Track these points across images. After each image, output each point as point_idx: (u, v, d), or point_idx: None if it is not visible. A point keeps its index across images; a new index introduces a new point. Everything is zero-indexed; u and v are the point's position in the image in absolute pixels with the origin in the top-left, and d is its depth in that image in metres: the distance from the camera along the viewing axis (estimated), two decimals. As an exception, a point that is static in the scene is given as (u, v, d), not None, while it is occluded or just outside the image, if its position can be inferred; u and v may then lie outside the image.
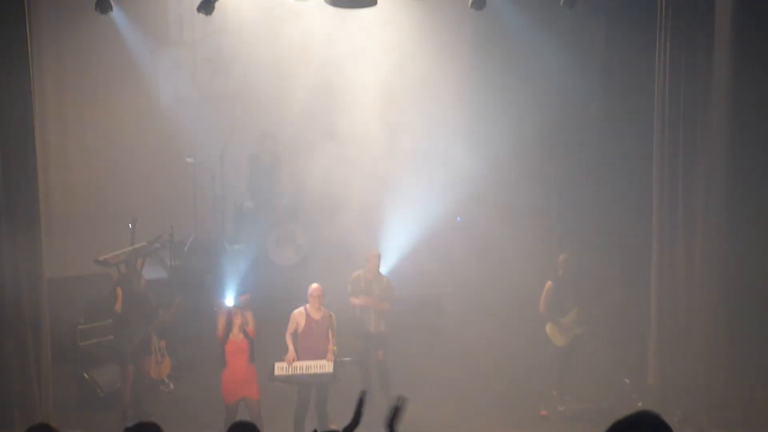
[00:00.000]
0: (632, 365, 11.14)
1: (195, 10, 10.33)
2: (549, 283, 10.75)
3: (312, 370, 9.77)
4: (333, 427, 10.00)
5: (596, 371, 11.19)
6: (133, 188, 13.17)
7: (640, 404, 10.20)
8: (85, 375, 10.61)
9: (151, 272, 12.32)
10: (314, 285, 10.00)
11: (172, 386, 11.16)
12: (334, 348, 9.84)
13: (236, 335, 9.54)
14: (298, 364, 9.75)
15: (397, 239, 13.10)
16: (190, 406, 10.66)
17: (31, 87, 8.99)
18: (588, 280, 11.21)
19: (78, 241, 12.72)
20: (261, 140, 13.35)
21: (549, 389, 10.85)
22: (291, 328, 9.91)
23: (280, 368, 9.75)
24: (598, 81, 13.13)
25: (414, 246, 13.02)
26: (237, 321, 9.53)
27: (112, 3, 10.08)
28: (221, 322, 9.57)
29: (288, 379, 9.79)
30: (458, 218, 13.70)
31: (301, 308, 9.96)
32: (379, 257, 10.79)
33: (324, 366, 9.77)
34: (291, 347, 9.81)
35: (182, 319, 11.69)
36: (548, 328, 10.78)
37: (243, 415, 9.31)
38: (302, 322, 9.88)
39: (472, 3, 10.74)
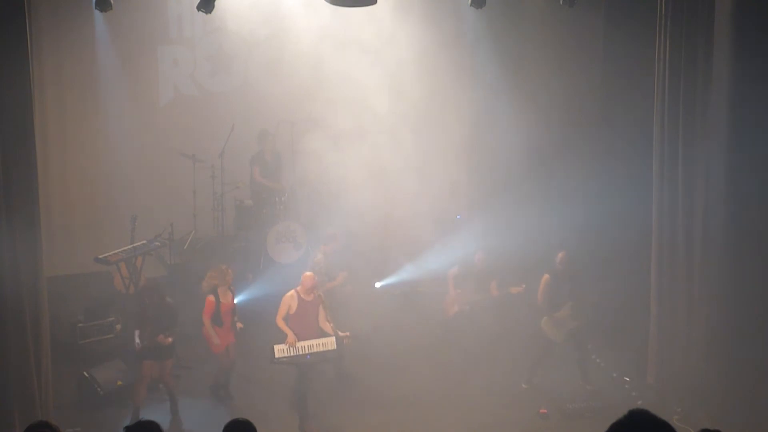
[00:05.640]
0: (632, 365, 11.16)
1: (195, 9, 10.34)
2: (546, 276, 10.88)
3: (315, 349, 9.98)
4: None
5: (596, 371, 11.20)
6: (133, 186, 13.17)
7: (639, 403, 10.21)
8: (85, 373, 10.60)
9: (151, 270, 12.35)
10: (308, 273, 10.36)
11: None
12: (331, 324, 10.09)
13: (225, 296, 10.36)
14: (300, 344, 9.95)
15: (396, 237, 13.12)
16: (189, 405, 10.64)
17: (31, 86, 8.98)
18: (585, 277, 11.24)
19: (78, 240, 12.73)
20: (260, 138, 13.34)
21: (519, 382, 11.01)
22: (282, 312, 10.16)
23: (281, 350, 9.95)
24: (597, 79, 13.13)
25: (412, 242, 13.05)
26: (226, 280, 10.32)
27: (112, 1, 10.07)
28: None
29: (291, 361, 9.99)
30: (458, 216, 13.72)
31: (292, 291, 10.24)
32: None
33: (327, 343, 10.00)
34: (289, 330, 10.03)
35: (181, 318, 11.68)
36: (543, 321, 10.87)
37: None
38: (294, 304, 10.15)
39: (472, 1, 10.74)
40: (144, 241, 11.76)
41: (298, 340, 9.97)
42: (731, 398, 10.10)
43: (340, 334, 10.12)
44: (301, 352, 9.95)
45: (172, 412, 10.23)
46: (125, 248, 11.58)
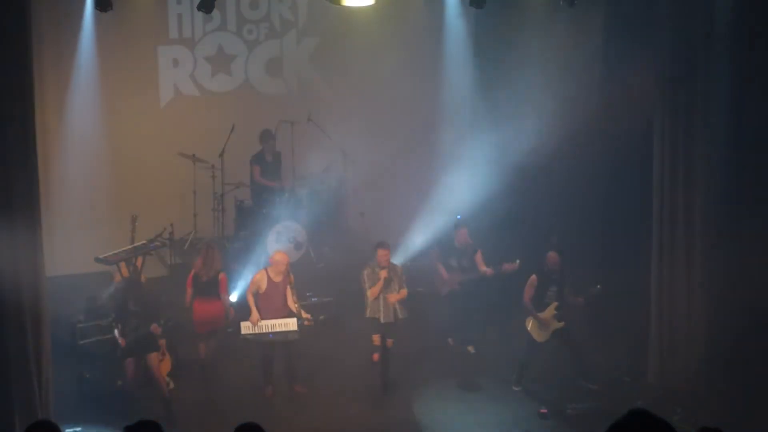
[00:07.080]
0: (632, 365, 11.15)
1: (195, 9, 10.35)
2: (533, 277, 10.90)
3: (277, 328, 10.44)
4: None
5: (596, 371, 11.20)
6: (134, 187, 13.18)
7: (639, 403, 10.19)
8: (85, 373, 10.60)
9: (151, 271, 12.34)
10: (280, 253, 10.74)
11: (172, 385, 11.14)
12: (297, 305, 10.45)
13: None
14: (263, 323, 10.41)
15: (396, 235, 13.11)
16: (190, 405, 10.64)
17: (31, 86, 8.98)
18: (579, 278, 11.24)
19: (78, 240, 12.73)
20: (260, 138, 13.34)
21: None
22: (252, 289, 10.56)
23: (246, 327, 10.46)
24: (597, 79, 13.12)
25: (410, 241, 13.05)
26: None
27: (112, 1, 10.07)
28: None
29: (256, 338, 10.49)
30: (458, 216, 13.70)
31: (263, 271, 10.59)
32: (388, 250, 10.96)
33: (288, 324, 10.43)
34: (254, 309, 10.47)
35: (182, 317, 11.69)
36: (529, 322, 10.88)
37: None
38: (263, 284, 10.48)
39: (472, 1, 10.73)
40: (144, 242, 11.75)
41: (265, 319, 10.41)
42: (731, 398, 10.10)
43: (303, 315, 10.49)
44: (264, 331, 10.43)
45: (167, 417, 10.02)
46: (125, 248, 11.57)
